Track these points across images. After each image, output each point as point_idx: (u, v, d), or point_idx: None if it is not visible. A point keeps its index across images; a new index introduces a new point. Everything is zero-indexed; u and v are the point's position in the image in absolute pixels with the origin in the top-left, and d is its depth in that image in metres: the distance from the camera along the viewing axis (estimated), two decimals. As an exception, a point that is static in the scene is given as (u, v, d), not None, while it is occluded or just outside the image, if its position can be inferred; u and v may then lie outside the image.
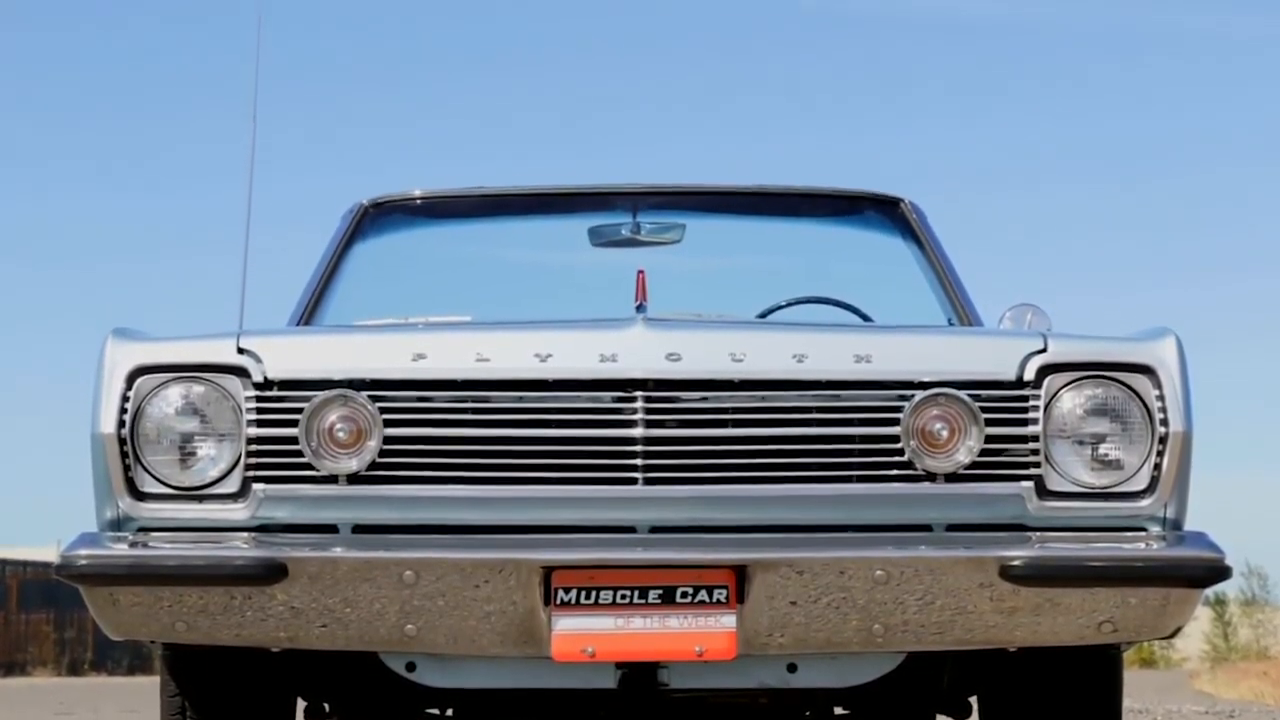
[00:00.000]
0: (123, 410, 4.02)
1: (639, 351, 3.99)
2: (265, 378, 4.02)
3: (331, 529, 4.00)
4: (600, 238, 5.82)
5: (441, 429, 4.00)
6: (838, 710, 4.99)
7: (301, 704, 4.69)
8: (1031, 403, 4.04)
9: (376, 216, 5.79)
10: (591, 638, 3.88)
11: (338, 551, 3.89)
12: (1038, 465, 4.02)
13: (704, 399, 4.00)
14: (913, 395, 4.01)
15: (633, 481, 3.96)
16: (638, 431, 3.98)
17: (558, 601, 3.88)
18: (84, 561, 3.90)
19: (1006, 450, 4.03)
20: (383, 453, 3.98)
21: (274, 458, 4.00)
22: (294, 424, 3.99)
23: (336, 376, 4.02)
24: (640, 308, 4.56)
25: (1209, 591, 4.71)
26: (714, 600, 3.88)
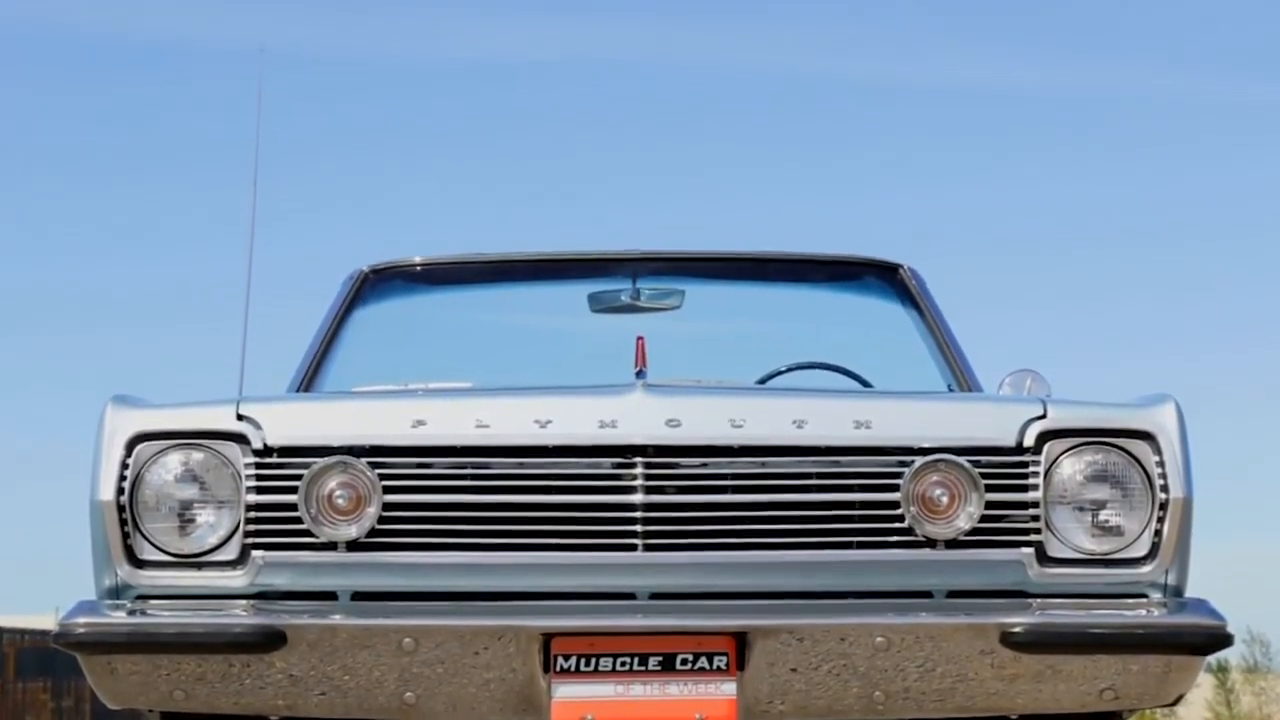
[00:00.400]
0: (122, 477, 4.01)
1: (639, 417, 3.99)
2: (265, 444, 4.02)
3: (331, 596, 3.99)
4: (600, 304, 5.82)
5: (441, 495, 3.99)
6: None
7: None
8: (1031, 469, 4.03)
9: (376, 283, 5.79)
10: (591, 705, 3.86)
11: (336, 619, 3.88)
12: (1038, 531, 4.01)
13: (704, 465, 4.00)
14: (913, 461, 4.00)
15: (632, 548, 3.96)
16: (637, 497, 3.97)
17: (557, 668, 3.86)
18: (82, 629, 3.89)
19: (1007, 516, 4.02)
20: (382, 519, 3.97)
21: (273, 524, 3.99)
22: (293, 490, 3.98)
23: (336, 443, 4.01)
24: (640, 374, 4.56)
25: (1211, 659, 4.69)
26: (714, 667, 3.87)
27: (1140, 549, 4.03)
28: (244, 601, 3.97)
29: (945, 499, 3.99)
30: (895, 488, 4.00)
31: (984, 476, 4.00)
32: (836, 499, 4.00)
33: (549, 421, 4.00)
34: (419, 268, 5.85)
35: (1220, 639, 3.91)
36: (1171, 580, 4.04)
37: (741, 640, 3.88)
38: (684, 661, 3.87)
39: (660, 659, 3.87)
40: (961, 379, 5.44)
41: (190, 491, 4.03)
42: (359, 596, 3.98)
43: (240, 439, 4.02)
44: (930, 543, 3.99)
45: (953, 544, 3.99)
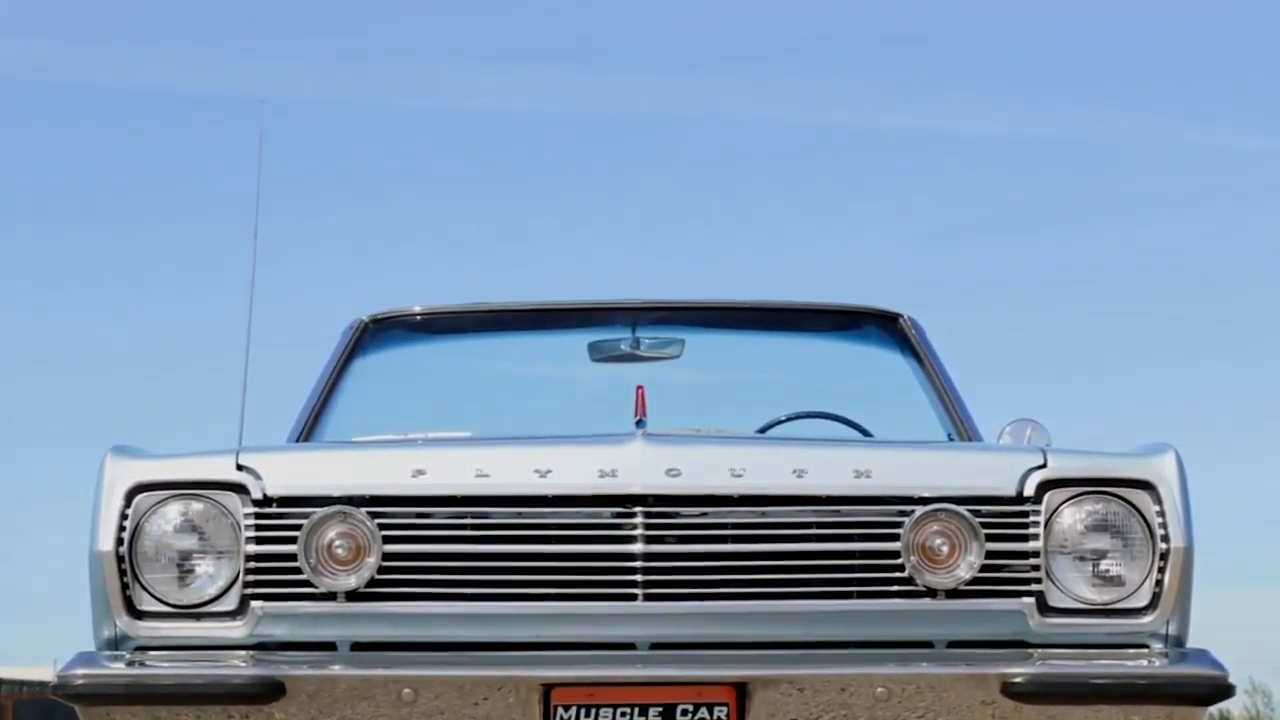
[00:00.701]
0: (121, 528, 4.01)
1: (639, 467, 3.99)
2: (264, 494, 4.01)
3: (330, 646, 3.98)
4: (600, 353, 5.83)
5: (441, 545, 3.99)
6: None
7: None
8: (1032, 518, 4.03)
9: (376, 332, 5.80)
10: (591, 756, 3.85)
11: (336, 669, 3.87)
12: (1039, 581, 4.01)
13: (704, 514, 3.99)
14: (913, 511, 4.00)
15: (633, 597, 3.95)
16: (638, 547, 3.96)
17: (557, 719, 3.85)
18: (81, 681, 3.88)
19: (1007, 566, 4.01)
20: (381, 569, 3.97)
21: (272, 575, 3.98)
22: (293, 540, 3.98)
23: (336, 493, 4.01)
24: (640, 423, 4.55)
25: (1213, 709, 4.68)
26: (715, 717, 3.86)
27: (1141, 599, 4.03)
28: (243, 652, 3.96)
29: (946, 549, 3.98)
30: (895, 537, 3.99)
31: (984, 526, 3.99)
32: (837, 549, 4.00)
33: (549, 471, 4.00)
34: (419, 317, 5.86)
35: (1222, 689, 3.90)
36: (1173, 630, 4.03)
37: (742, 690, 3.87)
38: (684, 712, 3.86)
39: (660, 709, 3.86)
40: (961, 428, 5.44)
41: (190, 542, 4.03)
42: (358, 647, 3.97)
43: (240, 489, 4.01)
44: (931, 592, 3.98)
45: (953, 594, 3.98)
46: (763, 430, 5.45)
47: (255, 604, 3.98)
